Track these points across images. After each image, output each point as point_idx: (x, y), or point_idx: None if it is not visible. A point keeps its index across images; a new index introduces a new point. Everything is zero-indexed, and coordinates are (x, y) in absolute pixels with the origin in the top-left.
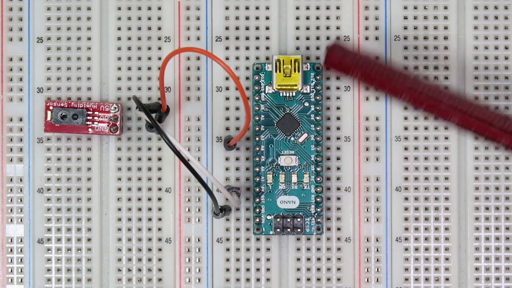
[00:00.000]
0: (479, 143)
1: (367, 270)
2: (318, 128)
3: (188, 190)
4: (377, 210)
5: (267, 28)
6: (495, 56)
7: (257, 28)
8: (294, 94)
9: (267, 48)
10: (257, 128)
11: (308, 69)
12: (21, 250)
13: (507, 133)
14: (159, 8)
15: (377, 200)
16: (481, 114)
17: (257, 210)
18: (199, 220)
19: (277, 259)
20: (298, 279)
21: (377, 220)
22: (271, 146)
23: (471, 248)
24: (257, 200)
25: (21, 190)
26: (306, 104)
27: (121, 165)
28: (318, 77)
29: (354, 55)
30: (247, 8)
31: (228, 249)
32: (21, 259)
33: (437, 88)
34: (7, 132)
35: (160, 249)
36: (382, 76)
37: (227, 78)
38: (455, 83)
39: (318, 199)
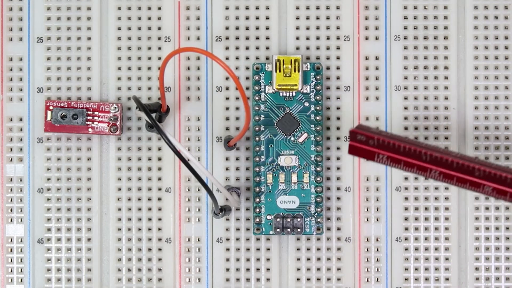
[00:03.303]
0: (479, 142)
1: (367, 270)
2: (318, 128)
3: (188, 190)
4: (377, 210)
5: (267, 28)
6: (495, 56)
7: (257, 28)
8: (294, 94)
9: (267, 48)
10: (257, 128)
11: (308, 69)
12: (21, 250)
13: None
14: (159, 8)
15: (377, 200)
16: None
17: (257, 210)
18: (199, 220)
19: (277, 259)
20: (298, 279)
21: (377, 220)
22: (271, 146)
23: (471, 248)
24: (257, 200)
25: (21, 190)
26: (306, 104)
27: (121, 165)
28: (318, 77)
29: (375, 138)
30: (247, 8)
31: (228, 249)
32: (21, 259)
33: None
34: (7, 132)
35: (160, 249)
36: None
37: (227, 78)
38: (455, 83)
39: (318, 199)
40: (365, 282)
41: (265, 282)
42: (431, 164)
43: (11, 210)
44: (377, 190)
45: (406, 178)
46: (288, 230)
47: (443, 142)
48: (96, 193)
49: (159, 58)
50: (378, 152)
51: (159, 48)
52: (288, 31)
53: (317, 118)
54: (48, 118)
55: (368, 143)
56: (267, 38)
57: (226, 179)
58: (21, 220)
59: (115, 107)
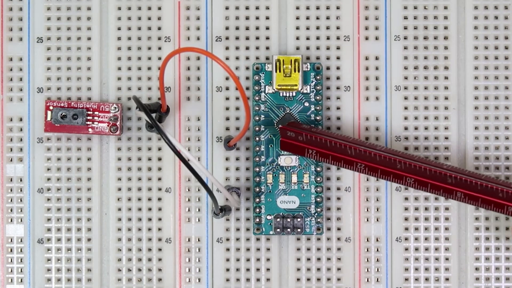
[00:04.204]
0: (479, 142)
1: (367, 270)
2: None
3: (188, 190)
4: (377, 210)
5: (267, 28)
6: (495, 56)
7: (257, 28)
8: (294, 94)
9: (267, 48)
10: (257, 128)
11: (308, 69)
12: (21, 250)
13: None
14: (159, 8)
15: (377, 200)
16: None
17: (257, 210)
18: (199, 220)
19: (277, 259)
20: (298, 279)
21: (377, 220)
22: (271, 146)
23: (471, 248)
24: (257, 200)
25: (21, 190)
26: (306, 104)
27: (121, 165)
28: (318, 77)
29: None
30: (247, 8)
31: (228, 249)
32: (21, 259)
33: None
34: (7, 132)
35: (160, 249)
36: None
37: (227, 78)
38: (455, 83)
39: (318, 199)
40: (365, 282)
41: (265, 282)
42: (356, 158)
43: (11, 210)
44: (377, 190)
45: None
46: (288, 230)
47: (443, 142)
48: (96, 193)
49: (159, 58)
50: (308, 147)
51: (159, 48)
52: (288, 31)
53: (317, 118)
54: (48, 118)
55: (297, 139)
56: (267, 38)
57: (226, 179)
58: (21, 220)
59: (115, 107)
